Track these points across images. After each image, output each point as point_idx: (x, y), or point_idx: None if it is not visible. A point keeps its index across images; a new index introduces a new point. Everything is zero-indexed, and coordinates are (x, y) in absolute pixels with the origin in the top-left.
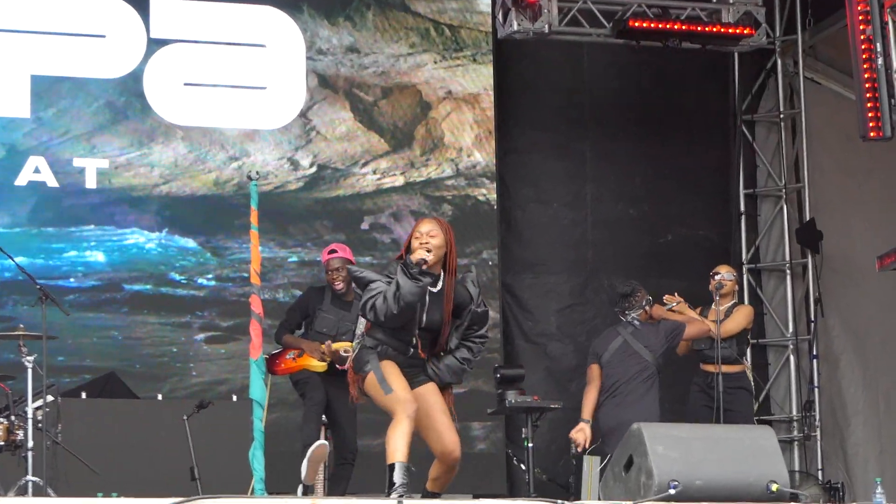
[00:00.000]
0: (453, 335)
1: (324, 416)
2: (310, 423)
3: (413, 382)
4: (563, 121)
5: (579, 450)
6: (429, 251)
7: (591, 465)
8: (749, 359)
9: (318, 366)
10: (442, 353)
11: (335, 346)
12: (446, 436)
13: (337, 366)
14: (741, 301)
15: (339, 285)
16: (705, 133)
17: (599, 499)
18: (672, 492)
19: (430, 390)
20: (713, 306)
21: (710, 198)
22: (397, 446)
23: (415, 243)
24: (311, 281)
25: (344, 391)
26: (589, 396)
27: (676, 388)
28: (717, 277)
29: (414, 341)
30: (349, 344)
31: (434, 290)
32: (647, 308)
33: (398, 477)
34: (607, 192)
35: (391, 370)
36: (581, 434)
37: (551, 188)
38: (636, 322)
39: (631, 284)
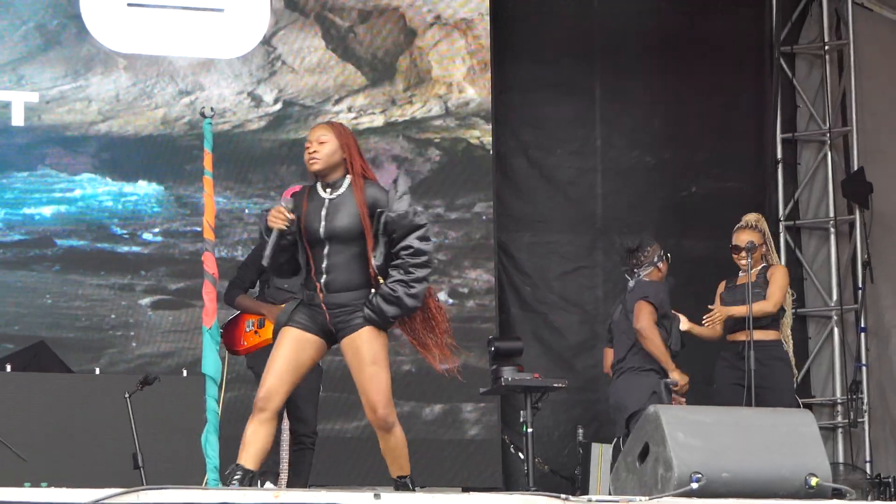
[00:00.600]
0: (378, 250)
1: None
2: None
3: (346, 329)
4: (569, 53)
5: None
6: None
7: (600, 455)
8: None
9: None
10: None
11: None
12: (369, 391)
13: None
14: (774, 258)
15: None
16: (736, 67)
17: (610, 493)
18: (694, 486)
19: (357, 339)
20: (741, 273)
21: (742, 143)
22: (241, 446)
23: (305, 155)
24: None
25: None
26: None
27: (700, 366)
28: (740, 252)
29: (322, 279)
30: None
31: (332, 196)
32: (659, 265)
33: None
34: (620, 137)
35: (279, 345)
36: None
37: (555, 131)
38: (644, 281)
39: (640, 237)
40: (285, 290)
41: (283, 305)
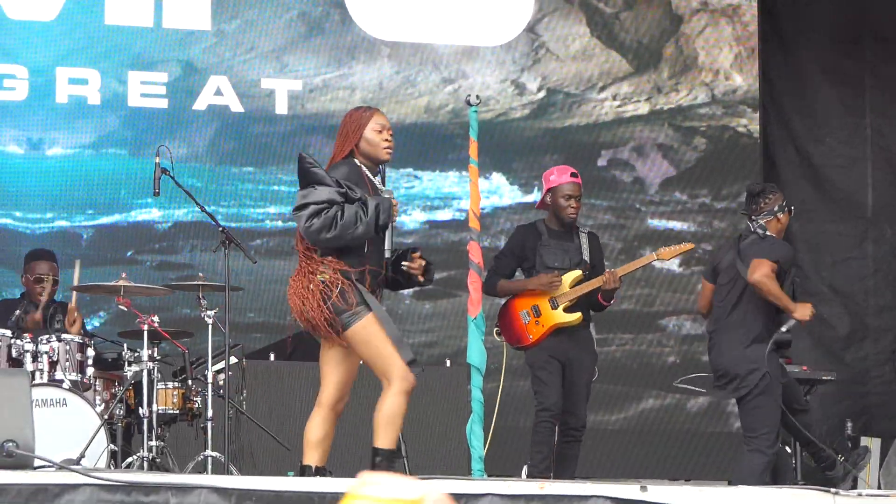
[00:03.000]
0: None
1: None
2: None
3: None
4: (840, 39)
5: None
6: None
7: (869, 448)
8: None
9: (571, 318)
10: None
11: (568, 276)
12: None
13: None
14: None
15: (573, 214)
16: None
17: (880, 487)
18: None
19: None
20: None
21: None
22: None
23: (376, 136)
24: None
25: (584, 351)
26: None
27: None
28: None
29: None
30: (578, 274)
31: (384, 187)
32: (780, 215)
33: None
34: (891, 125)
35: (382, 315)
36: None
37: (824, 119)
38: (759, 231)
39: (764, 184)
40: (555, 269)
41: (545, 275)
